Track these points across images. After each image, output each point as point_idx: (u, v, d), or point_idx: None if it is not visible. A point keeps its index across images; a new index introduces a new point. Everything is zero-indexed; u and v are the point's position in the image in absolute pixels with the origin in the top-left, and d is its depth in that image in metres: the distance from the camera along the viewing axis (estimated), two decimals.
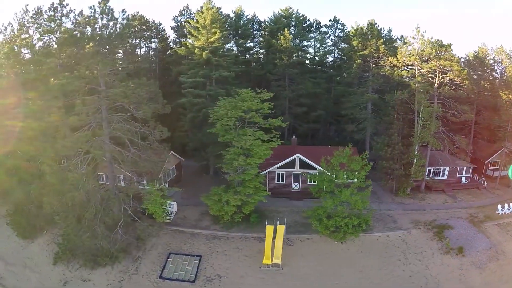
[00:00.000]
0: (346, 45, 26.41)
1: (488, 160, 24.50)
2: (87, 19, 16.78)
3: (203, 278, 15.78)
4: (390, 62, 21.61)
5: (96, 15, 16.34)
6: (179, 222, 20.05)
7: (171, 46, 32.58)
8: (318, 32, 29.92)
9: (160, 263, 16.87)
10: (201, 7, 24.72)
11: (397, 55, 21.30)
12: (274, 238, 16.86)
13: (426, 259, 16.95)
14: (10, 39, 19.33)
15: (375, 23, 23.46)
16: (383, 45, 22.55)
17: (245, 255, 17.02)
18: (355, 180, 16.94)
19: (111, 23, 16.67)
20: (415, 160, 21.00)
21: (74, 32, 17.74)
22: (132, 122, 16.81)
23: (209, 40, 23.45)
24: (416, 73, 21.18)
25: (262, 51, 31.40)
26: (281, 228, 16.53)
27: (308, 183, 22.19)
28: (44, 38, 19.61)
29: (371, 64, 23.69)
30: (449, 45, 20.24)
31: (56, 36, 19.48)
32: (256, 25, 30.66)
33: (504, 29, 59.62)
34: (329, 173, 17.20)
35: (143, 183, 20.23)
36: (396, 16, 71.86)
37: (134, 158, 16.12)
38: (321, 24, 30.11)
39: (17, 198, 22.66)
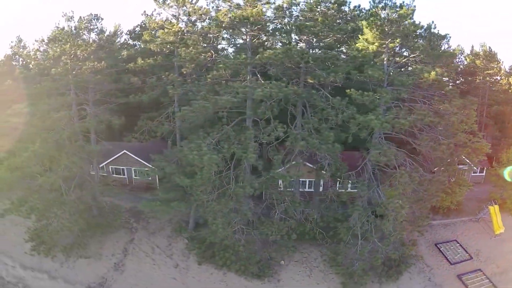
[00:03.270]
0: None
1: None
2: None
3: (473, 254, 23.20)
4: (509, 82, 33.70)
5: None
6: None
7: None
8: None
9: (438, 255, 22.93)
10: None
11: None
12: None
13: None
14: None
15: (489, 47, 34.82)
16: (503, 66, 34.37)
17: (476, 233, 25.26)
18: None
19: None
20: None
21: None
22: None
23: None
24: None
25: None
26: (497, 207, 25.59)
27: None
28: None
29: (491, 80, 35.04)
30: None
31: None
32: None
33: None
34: None
35: None
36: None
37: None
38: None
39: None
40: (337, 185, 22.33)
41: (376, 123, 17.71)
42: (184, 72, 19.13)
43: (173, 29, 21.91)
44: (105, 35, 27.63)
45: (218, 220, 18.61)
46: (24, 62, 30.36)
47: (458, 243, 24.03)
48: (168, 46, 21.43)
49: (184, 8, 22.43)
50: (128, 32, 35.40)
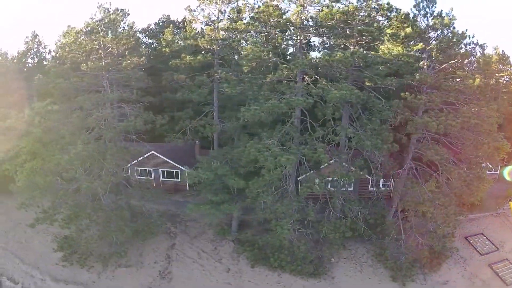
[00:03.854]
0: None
1: None
2: None
3: (499, 246, 25.44)
4: None
5: None
6: None
7: None
8: None
9: (468, 247, 25.05)
10: None
11: None
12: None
13: None
14: None
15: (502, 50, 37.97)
16: None
17: (498, 227, 27.80)
18: None
19: None
20: None
21: None
22: None
23: None
24: None
25: None
26: None
27: None
28: None
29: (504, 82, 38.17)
30: None
31: None
32: None
33: None
34: None
35: None
36: None
37: None
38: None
39: None
40: (382, 183, 23.54)
41: (434, 124, 19.02)
42: (246, 70, 19.04)
43: (222, 27, 21.73)
44: (131, 31, 26.47)
45: (283, 221, 18.76)
46: (37, 59, 28.03)
47: (485, 236, 26.34)
48: (218, 43, 21.19)
49: (230, 5, 22.37)
50: (142, 30, 34.37)
